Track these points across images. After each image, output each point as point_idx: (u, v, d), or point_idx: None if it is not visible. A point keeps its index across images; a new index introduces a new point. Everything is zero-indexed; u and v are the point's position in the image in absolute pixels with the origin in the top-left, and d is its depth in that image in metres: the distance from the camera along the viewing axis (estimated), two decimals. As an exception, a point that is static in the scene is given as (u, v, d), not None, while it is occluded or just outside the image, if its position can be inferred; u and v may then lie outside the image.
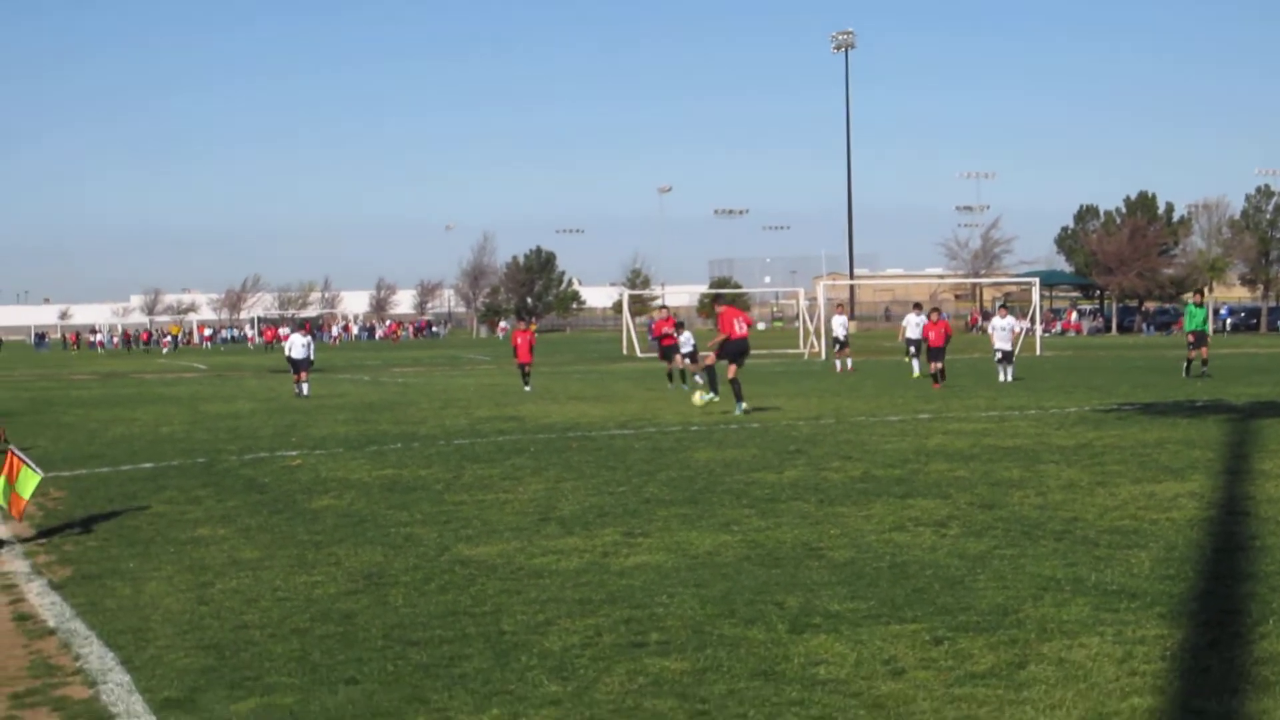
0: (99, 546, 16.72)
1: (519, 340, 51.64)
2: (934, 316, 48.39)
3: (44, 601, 13.77)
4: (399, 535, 16.80)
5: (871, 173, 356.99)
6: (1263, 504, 17.39)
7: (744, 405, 34.74)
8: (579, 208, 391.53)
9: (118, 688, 10.42)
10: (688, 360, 48.50)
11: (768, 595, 12.75)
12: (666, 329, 50.85)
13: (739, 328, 35.45)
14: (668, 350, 50.21)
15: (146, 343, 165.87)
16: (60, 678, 10.86)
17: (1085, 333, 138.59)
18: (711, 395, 35.77)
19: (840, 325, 62.15)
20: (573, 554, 15.21)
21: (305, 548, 16.14)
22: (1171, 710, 8.99)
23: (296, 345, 50.28)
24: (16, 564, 15.90)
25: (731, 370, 35.05)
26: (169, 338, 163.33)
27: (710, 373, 37.24)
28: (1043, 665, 10.14)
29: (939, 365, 46.13)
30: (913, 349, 53.44)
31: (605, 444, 27.31)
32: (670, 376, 49.36)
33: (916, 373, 51.39)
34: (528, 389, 48.56)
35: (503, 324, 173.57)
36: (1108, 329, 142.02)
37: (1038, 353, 78.52)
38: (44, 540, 17.36)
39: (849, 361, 60.04)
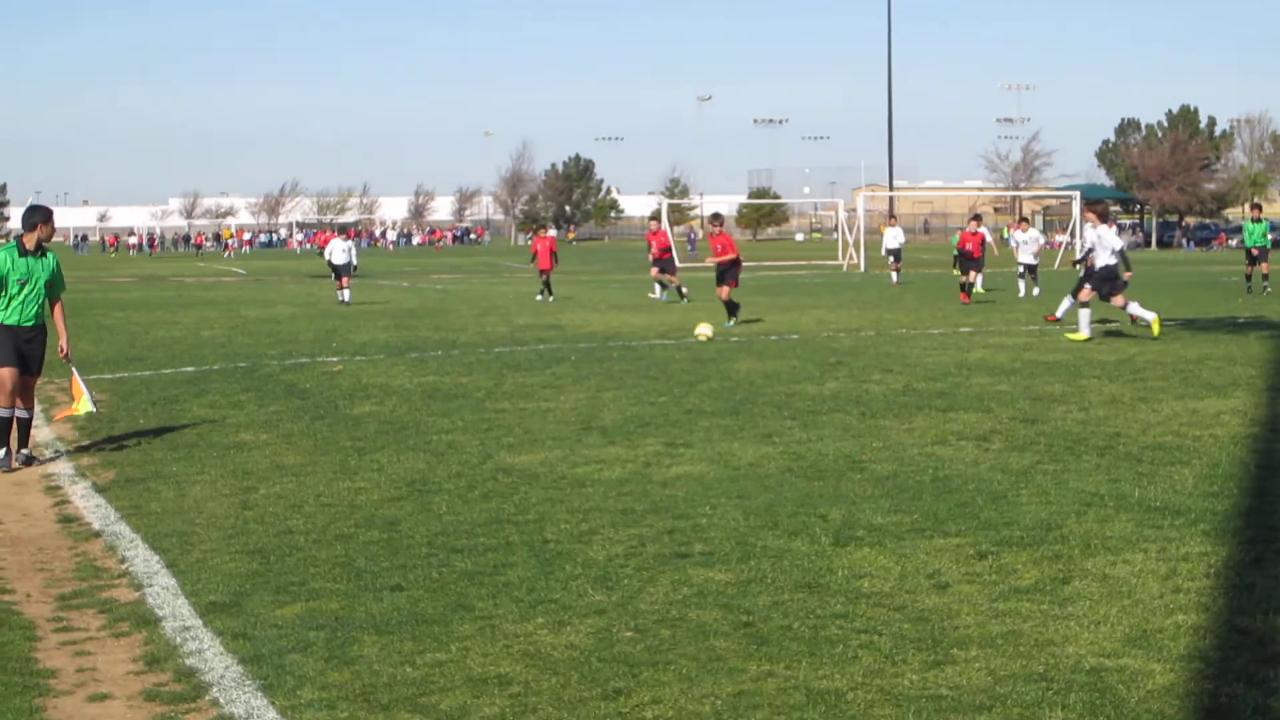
0: (142, 450, 16.82)
1: (538, 246, 51.22)
2: (973, 226, 47.44)
3: (89, 504, 13.87)
4: (441, 442, 16.83)
5: (912, 83, 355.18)
6: (1306, 422, 17.35)
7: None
8: (618, 116, 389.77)
9: (163, 591, 10.49)
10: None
11: (810, 507, 12.74)
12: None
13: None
14: (663, 263, 49.11)
15: (199, 246, 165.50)
16: (106, 580, 10.94)
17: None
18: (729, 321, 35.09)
19: (894, 237, 61.90)
20: (615, 464, 15.23)
21: (348, 454, 16.19)
22: (1215, 627, 8.97)
23: (338, 250, 49.93)
24: (61, 466, 16.00)
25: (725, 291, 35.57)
26: (232, 241, 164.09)
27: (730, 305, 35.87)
28: (1087, 581, 10.12)
29: (971, 277, 45.28)
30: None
31: (645, 354, 27.30)
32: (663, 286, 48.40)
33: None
34: (549, 299, 48.24)
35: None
36: (1147, 244, 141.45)
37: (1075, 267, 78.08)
38: (88, 443, 17.44)
39: (894, 275, 59.73)
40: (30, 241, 16.42)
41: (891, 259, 60.92)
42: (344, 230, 58.06)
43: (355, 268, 50.37)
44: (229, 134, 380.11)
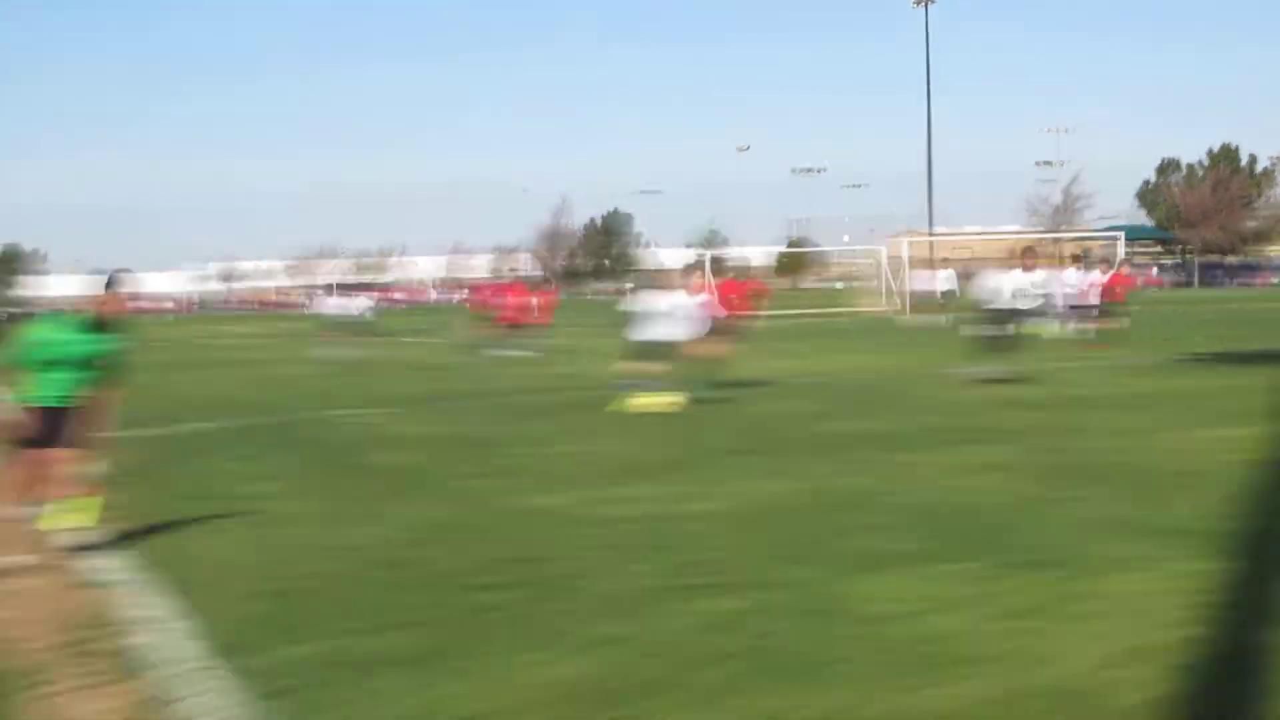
0: (160, 498, 16.85)
1: (535, 300, 49.51)
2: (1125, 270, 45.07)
3: (105, 549, 13.90)
4: (458, 488, 16.88)
5: (950, 131, 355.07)
6: (1323, 449, 17.39)
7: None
8: (656, 169, 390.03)
9: (176, 634, 10.51)
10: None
11: (832, 538, 12.81)
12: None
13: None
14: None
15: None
16: (119, 625, 10.97)
17: (1166, 286, 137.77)
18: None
19: (946, 279, 62.06)
20: (636, 502, 15.30)
21: (368, 501, 16.21)
22: (1224, 641, 9.03)
23: (350, 306, 51.06)
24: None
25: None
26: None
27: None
28: (1096, 600, 10.16)
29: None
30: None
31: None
32: None
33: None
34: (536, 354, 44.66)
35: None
36: (1189, 283, 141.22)
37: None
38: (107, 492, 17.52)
39: (945, 317, 59.67)
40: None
41: (942, 300, 60.94)
42: (358, 289, 58.45)
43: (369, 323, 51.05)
44: (266, 195, 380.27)
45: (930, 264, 68.48)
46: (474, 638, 9.89)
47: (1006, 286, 26.81)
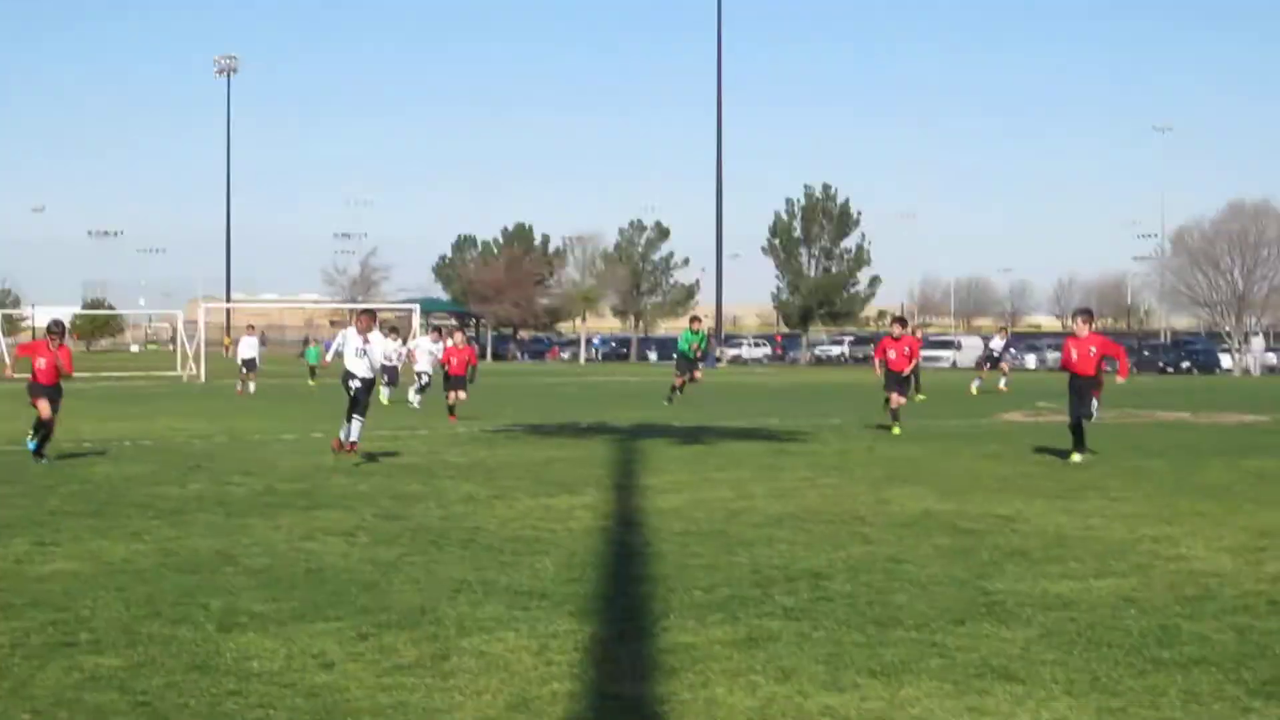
0: None
1: None
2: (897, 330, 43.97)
3: None
4: None
5: (251, 197, 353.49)
6: (651, 515, 18.46)
7: None
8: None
9: None
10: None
11: (191, 598, 12.93)
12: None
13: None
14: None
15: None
16: None
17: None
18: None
19: (250, 346, 61.82)
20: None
21: None
22: (589, 694, 9.64)
23: None
24: None
25: None
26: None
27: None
28: (465, 657, 10.66)
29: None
30: None
31: (-2, 460, 26.84)
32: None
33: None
34: None
35: None
36: (483, 356, 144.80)
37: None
38: None
39: (252, 385, 59.53)
40: None
41: (244, 369, 60.66)
42: None
43: None
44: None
45: (243, 330, 67.97)
46: None
47: (349, 348, 26.58)
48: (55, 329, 27.90)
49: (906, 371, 35.59)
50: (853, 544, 16.18)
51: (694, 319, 42.61)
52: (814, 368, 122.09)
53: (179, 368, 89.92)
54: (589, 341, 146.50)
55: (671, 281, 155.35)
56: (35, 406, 27.10)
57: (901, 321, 38.09)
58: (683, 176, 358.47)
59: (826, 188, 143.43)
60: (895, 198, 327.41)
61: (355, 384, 26.34)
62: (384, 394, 47.29)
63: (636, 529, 17.34)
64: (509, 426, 36.28)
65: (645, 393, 56.89)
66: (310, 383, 67.84)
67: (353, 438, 26.13)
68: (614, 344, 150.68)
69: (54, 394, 27.38)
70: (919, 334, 34.55)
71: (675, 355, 46.58)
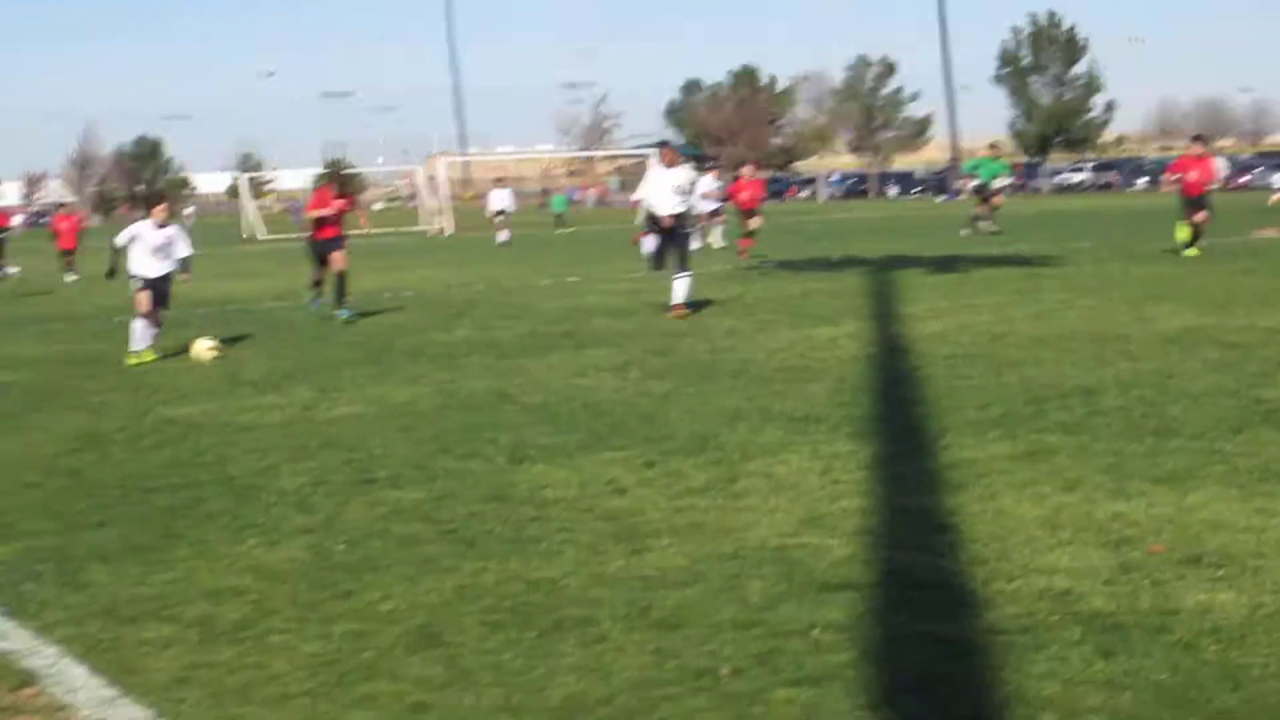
0: None
1: (62, 225, 48.00)
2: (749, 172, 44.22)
3: None
4: (96, 401, 16.97)
5: (478, 51, 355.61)
6: (915, 341, 18.59)
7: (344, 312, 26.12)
8: (184, 94, 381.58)
9: None
10: None
11: (477, 434, 13.35)
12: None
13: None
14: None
15: None
16: None
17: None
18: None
19: (500, 198, 62.27)
20: (274, 409, 15.62)
21: (3, 418, 16.21)
22: (879, 509, 9.85)
23: None
24: None
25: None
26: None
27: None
28: (753, 479, 10.94)
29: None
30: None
31: (267, 315, 27.59)
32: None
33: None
34: (72, 278, 44.96)
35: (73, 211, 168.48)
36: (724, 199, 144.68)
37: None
38: None
39: (505, 234, 60.06)
40: None
41: (498, 219, 61.14)
42: None
43: None
44: None
45: (490, 184, 68.41)
46: (167, 534, 10.20)
47: (664, 188, 23.86)
48: (332, 178, 28.14)
49: (1207, 189, 34.37)
50: (1119, 361, 16.17)
51: (992, 145, 42.43)
52: (1056, 195, 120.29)
53: (423, 222, 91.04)
54: (827, 179, 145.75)
55: (903, 116, 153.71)
56: (325, 262, 26.94)
57: (1201, 140, 37.02)
58: (903, 10, 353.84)
59: (1052, 15, 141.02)
60: (1125, 21, 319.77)
61: (667, 220, 23.84)
62: (717, 235, 47.17)
63: (902, 355, 17.49)
64: (761, 262, 36.49)
65: (890, 228, 56.68)
66: (558, 231, 68.54)
67: (679, 298, 23.61)
68: (852, 181, 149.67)
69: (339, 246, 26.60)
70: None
71: (973, 186, 46.48)
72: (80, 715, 6.80)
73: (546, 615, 7.80)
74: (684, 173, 24.35)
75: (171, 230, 21.75)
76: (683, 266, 23.83)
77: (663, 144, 25.99)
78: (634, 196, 30.59)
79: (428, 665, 7.11)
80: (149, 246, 21.50)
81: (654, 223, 24.05)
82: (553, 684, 6.76)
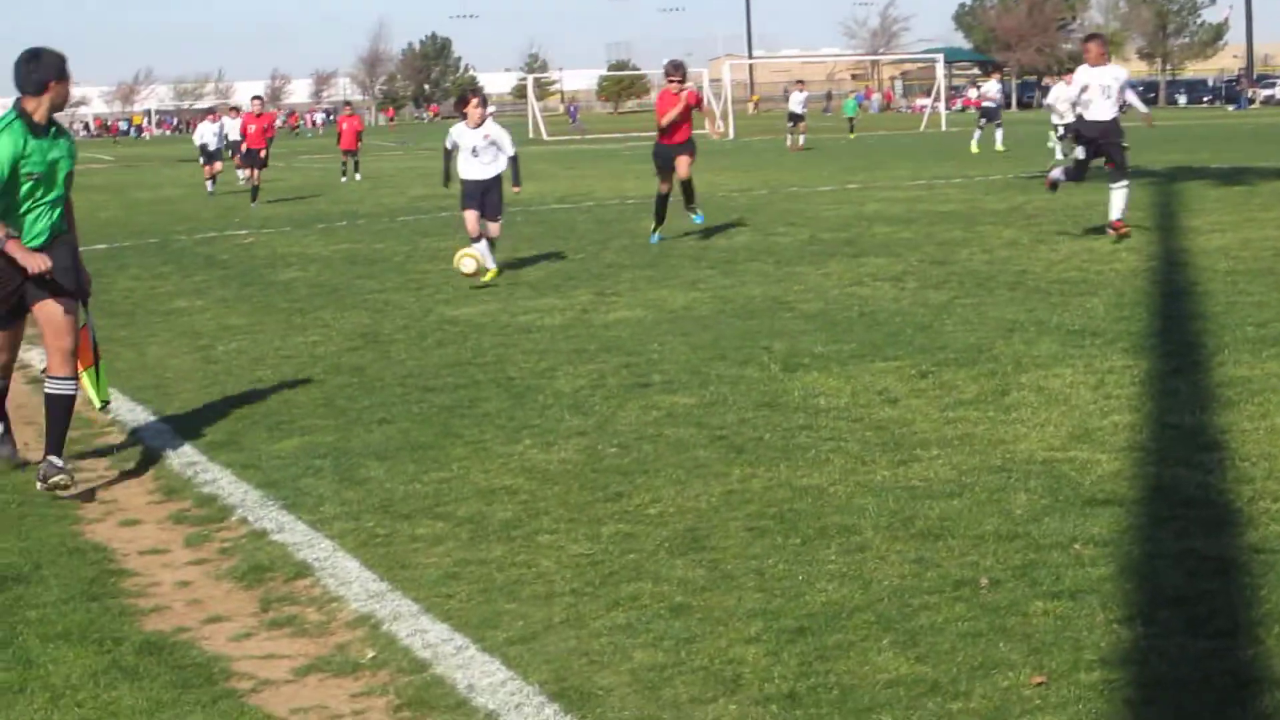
0: (94, 316, 17.14)
1: (344, 126, 48.21)
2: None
3: (31, 354, 14.17)
4: (378, 300, 17.47)
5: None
6: (1196, 254, 18.31)
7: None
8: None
9: (159, 434, 11.06)
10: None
11: (752, 341, 13.50)
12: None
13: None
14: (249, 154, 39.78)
15: (115, 134, 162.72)
16: (97, 429, 11.46)
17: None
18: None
19: (797, 101, 61.91)
20: (553, 312, 15.92)
21: (289, 313, 16.76)
22: (1149, 425, 9.80)
23: (207, 134, 45.57)
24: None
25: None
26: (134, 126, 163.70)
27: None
28: (1024, 392, 10.93)
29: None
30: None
31: (548, 217, 27.97)
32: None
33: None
34: (355, 178, 45.57)
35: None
36: (1008, 105, 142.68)
37: (942, 128, 79.69)
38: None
39: (801, 139, 59.82)
40: (39, 112, 9.70)
41: (791, 123, 60.81)
42: (210, 113, 53.49)
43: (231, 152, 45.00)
44: (76, 21, 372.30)
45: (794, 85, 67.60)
46: (444, 432, 10.51)
47: (1095, 89, 20.81)
48: (675, 72, 23.55)
49: None
50: None
51: None
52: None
53: (707, 127, 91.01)
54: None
55: (1199, 21, 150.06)
56: (673, 169, 23.28)
57: None
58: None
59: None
60: None
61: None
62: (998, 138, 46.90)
63: (1181, 269, 17.25)
64: (1044, 171, 36.04)
65: (1180, 137, 55.52)
66: (851, 136, 68.33)
67: (1120, 211, 20.84)
68: (1140, 88, 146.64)
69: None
70: None
71: None
72: (351, 608, 7.09)
73: (810, 522, 7.92)
74: (1112, 70, 21.42)
75: (492, 129, 19.65)
76: (1121, 174, 21.19)
77: (1091, 37, 22.40)
78: (1047, 100, 28.97)
79: (690, 568, 7.28)
80: (468, 149, 19.61)
81: (1081, 130, 21.59)
82: (812, 590, 6.88)
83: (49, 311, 9.95)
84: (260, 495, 9.14)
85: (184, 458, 10.29)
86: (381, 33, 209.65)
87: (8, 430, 10.58)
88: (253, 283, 19.67)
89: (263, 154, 37.43)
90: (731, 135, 78.30)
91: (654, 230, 23.31)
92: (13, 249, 9.50)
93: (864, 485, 8.64)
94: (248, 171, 36.72)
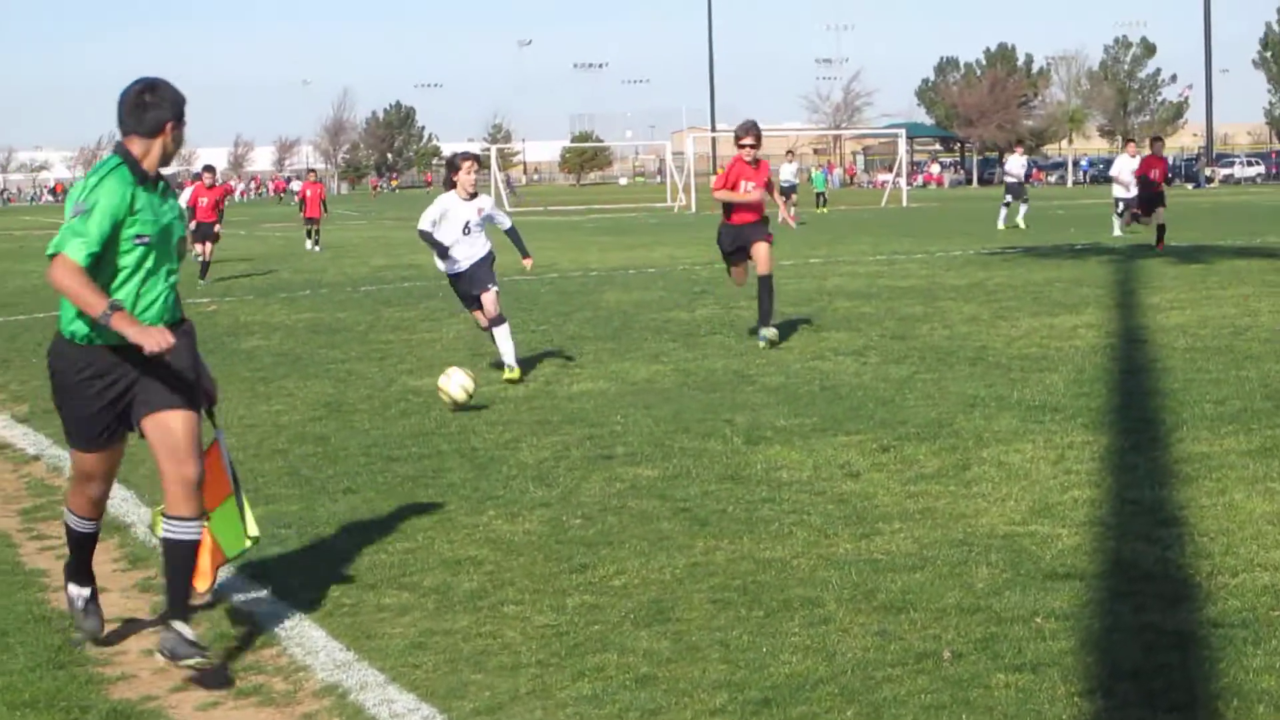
0: (44, 384, 17.15)
1: (307, 193, 48.62)
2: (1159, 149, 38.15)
3: (15, 433, 14.34)
4: (341, 370, 17.53)
5: (731, 24, 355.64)
6: (1155, 332, 18.45)
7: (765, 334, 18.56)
8: (438, 62, 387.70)
9: (124, 501, 11.05)
10: None
11: (715, 414, 13.59)
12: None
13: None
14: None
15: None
16: (60, 496, 11.45)
17: (946, 185, 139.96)
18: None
19: (789, 172, 61.19)
20: (513, 384, 15.95)
21: (253, 382, 16.79)
22: (1109, 500, 9.90)
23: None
24: None
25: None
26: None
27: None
28: (985, 467, 11.04)
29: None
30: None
31: (511, 289, 27.97)
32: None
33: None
34: (315, 248, 45.74)
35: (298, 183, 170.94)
36: (969, 181, 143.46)
37: (903, 204, 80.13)
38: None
39: (794, 210, 59.38)
40: (149, 159, 7.62)
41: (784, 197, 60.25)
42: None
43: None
44: (38, 83, 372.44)
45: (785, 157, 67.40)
46: (408, 503, 10.57)
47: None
48: (747, 135, 20.07)
49: None
50: (1368, 358, 15.95)
51: None
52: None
53: (669, 199, 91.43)
54: (1076, 164, 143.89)
55: (1159, 99, 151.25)
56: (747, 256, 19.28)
57: None
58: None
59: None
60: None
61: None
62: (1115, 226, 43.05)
63: (1141, 345, 17.40)
64: (1004, 249, 36.30)
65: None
66: (822, 210, 68.52)
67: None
68: (1102, 166, 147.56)
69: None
70: None
71: None
72: (318, 677, 7.13)
73: (774, 595, 8.00)
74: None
75: (484, 201, 17.07)
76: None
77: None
78: (1112, 172, 29.09)
79: (655, 640, 7.34)
80: (458, 225, 16.71)
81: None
82: (777, 662, 6.96)
83: (165, 427, 7.79)
84: (225, 565, 9.14)
85: (145, 526, 10.29)
86: (346, 101, 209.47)
87: (94, 595, 8.22)
88: (215, 351, 19.61)
89: (216, 228, 36.24)
90: (693, 209, 78.63)
91: (760, 328, 18.61)
92: (121, 323, 7.13)
93: (827, 558, 8.71)
94: (199, 246, 35.48)
